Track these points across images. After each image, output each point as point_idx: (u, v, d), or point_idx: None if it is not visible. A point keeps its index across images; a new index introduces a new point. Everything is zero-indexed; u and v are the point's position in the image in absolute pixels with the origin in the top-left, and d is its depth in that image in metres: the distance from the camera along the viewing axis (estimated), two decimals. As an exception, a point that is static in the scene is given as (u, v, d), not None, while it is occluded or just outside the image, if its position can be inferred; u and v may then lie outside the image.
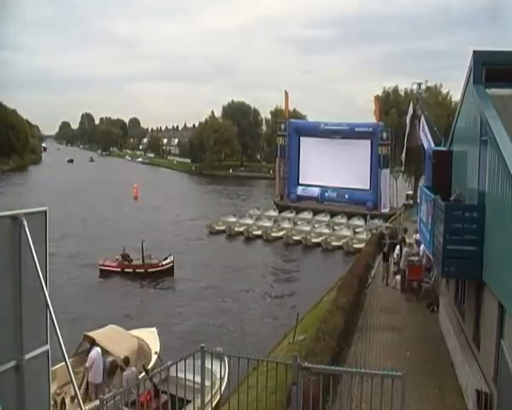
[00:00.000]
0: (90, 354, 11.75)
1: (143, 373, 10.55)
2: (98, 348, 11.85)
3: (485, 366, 8.89)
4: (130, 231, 36.98)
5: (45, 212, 3.85)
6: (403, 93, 57.00)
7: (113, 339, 12.39)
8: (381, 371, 6.50)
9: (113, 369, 11.80)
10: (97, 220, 42.10)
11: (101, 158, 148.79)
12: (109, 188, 65.56)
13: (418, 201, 16.78)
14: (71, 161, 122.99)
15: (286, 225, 40.57)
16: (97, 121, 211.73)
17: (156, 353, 13.05)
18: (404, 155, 26.41)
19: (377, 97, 51.08)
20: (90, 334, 12.43)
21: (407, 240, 19.54)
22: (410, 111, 22.99)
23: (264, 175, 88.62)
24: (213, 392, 9.83)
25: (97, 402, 7.15)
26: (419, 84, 27.15)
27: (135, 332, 13.95)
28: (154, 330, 14.57)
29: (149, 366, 12.24)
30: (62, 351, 3.74)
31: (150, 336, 13.94)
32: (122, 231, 37.28)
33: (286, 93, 56.51)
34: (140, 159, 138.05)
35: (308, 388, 6.13)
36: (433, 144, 17.83)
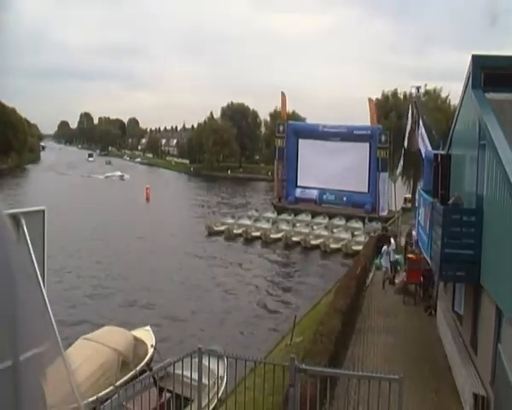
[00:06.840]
0: None
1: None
2: None
3: (482, 369, 8.90)
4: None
5: (43, 211, 3.84)
6: (402, 96, 57.08)
7: (110, 337, 12.61)
8: (379, 374, 6.51)
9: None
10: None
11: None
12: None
13: (416, 204, 16.82)
14: None
15: (284, 226, 40.48)
16: (96, 121, 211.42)
17: (152, 346, 13.43)
18: (401, 162, 26.50)
19: (371, 100, 50.98)
20: (88, 336, 12.56)
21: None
22: (409, 115, 23.08)
23: (263, 177, 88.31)
24: (211, 393, 9.86)
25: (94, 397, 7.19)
26: (418, 88, 27.18)
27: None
28: (148, 328, 14.88)
29: (147, 358, 12.69)
30: (61, 351, 3.72)
31: (145, 334, 14.27)
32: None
33: (283, 95, 56.48)
34: (139, 159, 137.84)
35: (305, 390, 6.14)
36: (430, 148, 17.89)
